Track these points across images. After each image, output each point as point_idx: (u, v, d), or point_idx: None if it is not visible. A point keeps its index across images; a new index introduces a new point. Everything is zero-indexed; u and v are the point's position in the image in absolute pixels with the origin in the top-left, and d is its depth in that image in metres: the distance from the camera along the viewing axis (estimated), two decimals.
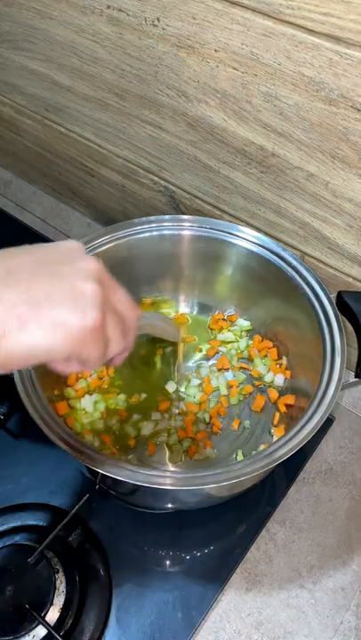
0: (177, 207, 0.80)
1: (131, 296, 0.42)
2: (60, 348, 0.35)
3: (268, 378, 0.71)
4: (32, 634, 0.53)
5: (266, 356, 0.72)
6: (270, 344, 0.73)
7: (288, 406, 0.68)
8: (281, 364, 0.71)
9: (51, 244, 0.39)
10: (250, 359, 0.73)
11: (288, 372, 0.70)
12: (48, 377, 0.61)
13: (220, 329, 0.76)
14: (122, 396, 0.70)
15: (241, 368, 0.73)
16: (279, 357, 0.72)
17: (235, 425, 0.69)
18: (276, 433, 0.67)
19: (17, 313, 0.33)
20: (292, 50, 0.53)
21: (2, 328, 0.33)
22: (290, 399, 0.68)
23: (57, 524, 0.58)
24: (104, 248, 0.67)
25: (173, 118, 0.68)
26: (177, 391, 0.71)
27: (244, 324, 0.75)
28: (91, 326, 0.35)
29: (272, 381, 0.70)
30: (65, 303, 0.35)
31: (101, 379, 0.71)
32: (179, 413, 0.69)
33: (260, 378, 0.71)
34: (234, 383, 0.71)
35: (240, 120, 0.62)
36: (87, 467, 0.50)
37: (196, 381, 0.72)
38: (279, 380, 0.70)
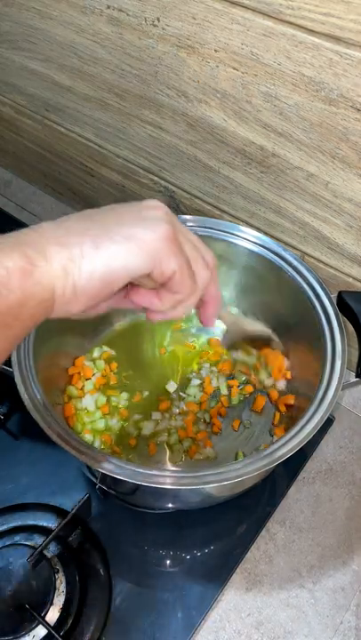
0: (177, 207, 0.80)
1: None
2: (138, 260, 0.35)
3: (268, 382, 0.71)
4: (32, 634, 0.53)
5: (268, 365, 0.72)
6: (280, 355, 0.71)
7: (288, 406, 0.68)
8: (284, 372, 0.71)
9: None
10: (254, 369, 0.73)
11: (288, 373, 0.70)
12: (48, 377, 0.61)
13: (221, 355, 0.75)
14: (124, 395, 0.70)
15: (241, 372, 0.73)
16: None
17: (235, 425, 0.69)
18: (277, 433, 0.67)
19: (90, 235, 0.35)
20: (293, 50, 0.53)
21: (79, 251, 0.34)
22: (290, 399, 0.68)
23: (57, 524, 0.58)
24: None
25: (173, 118, 0.68)
26: (177, 391, 0.71)
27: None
28: (163, 235, 0.36)
29: (273, 385, 0.70)
30: (135, 223, 0.36)
31: (105, 376, 0.71)
32: (179, 413, 0.69)
33: (261, 383, 0.71)
34: (234, 383, 0.71)
35: (240, 120, 0.62)
36: (87, 467, 0.50)
37: (196, 381, 0.72)
38: (281, 384, 0.70)
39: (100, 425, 0.67)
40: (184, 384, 0.72)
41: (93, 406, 0.68)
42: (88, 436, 0.65)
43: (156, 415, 0.69)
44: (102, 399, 0.69)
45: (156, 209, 0.38)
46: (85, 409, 0.68)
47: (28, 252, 0.33)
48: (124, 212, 0.38)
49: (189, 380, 0.72)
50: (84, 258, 0.34)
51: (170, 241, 0.36)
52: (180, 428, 0.68)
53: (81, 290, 0.34)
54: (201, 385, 0.71)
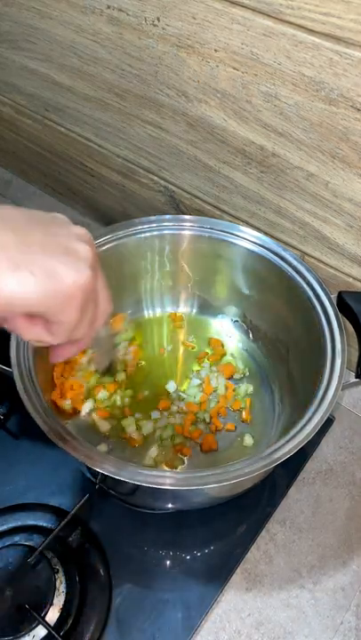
0: (177, 207, 0.80)
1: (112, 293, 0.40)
2: (44, 300, 0.33)
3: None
4: (32, 634, 0.53)
5: None
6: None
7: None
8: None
9: (37, 210, 0.38)
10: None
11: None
12: (48, 377, 0.61)
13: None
14: (129, 392, 0.70)
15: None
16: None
17: (232, 426, 0.69)
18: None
19: (10, 255, 0.32)
20: (293, 50, 0.53)
21: None
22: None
23: (57, 524, 0.58)
24: (104, 248, 0.67)
25: (173, 118, 0.68)
26: (177, 391, 0.71)
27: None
28: (82, 283, 0.34)
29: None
30: (60, 256, 0.33)
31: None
32: (178, 412, 0.69)
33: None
34: (231, 386, 0.72)
35: (240, 120, 0.62)
36: (87, 467, 0.50)
37: (196, 381, 0.72)
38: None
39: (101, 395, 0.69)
40: (184, 384, 0.72)
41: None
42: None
43: (155, 414, 0.69)
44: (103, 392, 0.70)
45: (85, 243, 0.36)
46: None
47: None
48: (55, 233, 0.35)
49: (189, 379, 0.72)
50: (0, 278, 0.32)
51: (83, 292, 0.34)
52: (177, 424, 0.68)
53: None
54: (201, 385, 0.71)
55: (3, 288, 0.32)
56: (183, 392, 0.71)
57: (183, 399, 0.70)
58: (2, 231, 0.32)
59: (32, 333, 0.36)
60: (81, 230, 0.38)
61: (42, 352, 0.59)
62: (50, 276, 0.33)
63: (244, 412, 0.70)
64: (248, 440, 0.67)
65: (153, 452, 0.66)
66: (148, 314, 0.78)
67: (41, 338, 0.37)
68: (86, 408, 0.68)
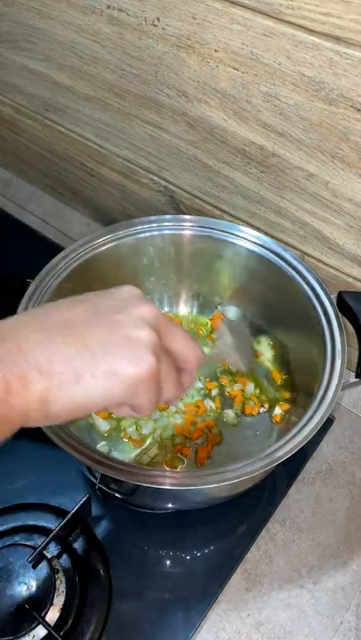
0: (177, 207, 0.80)
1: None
2: (113, 398, 0.35)
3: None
4: (32, 634, 0.53)
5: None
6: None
7: (288, 407, 0.68)
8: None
9: (108, 290, 0.39)
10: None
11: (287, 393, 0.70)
12: None
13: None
14: None
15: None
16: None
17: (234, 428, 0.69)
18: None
19: (73, 366, 0.33)
20: (293, 50, 0.53)
21: (57, 382, 0.33)
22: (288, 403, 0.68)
23: (57, 524, 0.58)
24: (105, 248, 0.67)
25: (173, 118, 0.68)
26: None
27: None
28: (145, 374, 0.35)
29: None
30: (119, 352, 0.35)
31: None
32: (177, 412, 0.69)
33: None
34: (237, 393, 0.71)
35: (240, 120, 0.62)
36: (87, 467, 0.50)
37: (197, 384, 0.71)
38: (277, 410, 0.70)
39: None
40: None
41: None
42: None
43: (155, 414, 0.68)
44: None
45: (146, 326, 0.36)
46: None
47: (7, 376, 0.32)
48: (115, 324, 0.36)
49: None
50: (62, 390, 0.33)
51: (149, 379, 0.35)
52: (177, 424, 0.68)
53: (54, 416, 0.34)
54: (202, 389, 0.71)
55: (71, 398, 0.34)
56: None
57: (182, 399, 0.70)
58: (65, 342, 0.34)
59: (121, 412, 0.39)
60: (143, 310, 0.38)
61: None
62: (110, 375, 0.34)
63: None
64: (231, 416, 0.68)
65: (153, 451, 0.66)
66: None
67: (130, 414, 0.39)
68: None
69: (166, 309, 0.79)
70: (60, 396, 0.33)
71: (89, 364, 0.34)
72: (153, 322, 0.37)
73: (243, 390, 0.71)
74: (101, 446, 0.66)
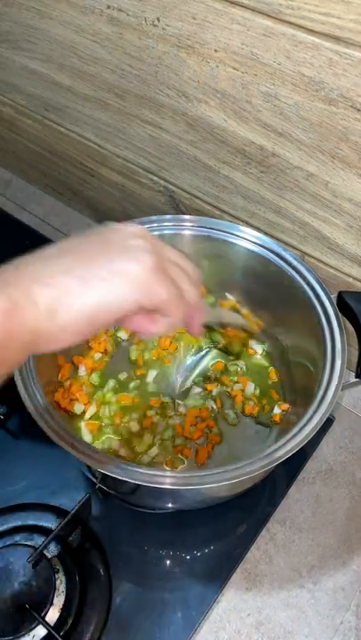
0: (177, 207, 0.80)
1: None
2: (126, 295, 0.35)
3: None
4: (32, 634, 0.53)
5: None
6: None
7: (287, 407, 0.68)
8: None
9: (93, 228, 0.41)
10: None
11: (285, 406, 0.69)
12: (48, 377, 0.61)
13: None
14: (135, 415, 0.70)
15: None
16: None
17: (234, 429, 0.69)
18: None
19: (77, 274, 0.34)
20: (292, 50, 0.53)
21: (65, 290, 0.33)
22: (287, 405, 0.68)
23: (57, 524, 0.58)
24: None
25: (173, 118, 0.68)
26: (180, 396, 0.71)
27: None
28: (150, 267, 0.36)
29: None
30: (119, 256, 0.36)
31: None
32: (177, 414, 0.69)
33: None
34: (237, 393, 0.71)
35: (240, 120, 0.62)
36: (87, 467, 0.50)
37: (197, 389, 0.71)
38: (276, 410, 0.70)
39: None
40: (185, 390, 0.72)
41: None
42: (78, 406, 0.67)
43: (150, 412, 0.68)
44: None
45: (139, 238, 0.38)
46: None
47: (12, 293, 0.32)
48: (109, 241, 0.37)
49: (189, 388, 0.72)
50: (72, 296, 0.34)
51: (156, 271, 0.36)
52: (177, 424, 0.68)
53: (69, 328, 0.34)
54: (201, 393, 0.71)
55: (82, 303, 0.34)
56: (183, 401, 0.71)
57: (182, 402, 0.70)
58: (64, 258, 0.35)
59: (160, 326, 0.40)
60: (134, 228, 0.40)
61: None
62: (118, 275, 0.35)
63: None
64: (231, 416, 0.69)
65: (153, 451, 0.66)
66: None
67: (170, 324, 0.40)
68: (88, 415, 0.68)
69: None
70: (70, 304, 0.33)
71: (92, 271, 0.34)
72: (143, 234, 0.39)
73: (243, 390, 0.71)
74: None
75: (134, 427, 0.67)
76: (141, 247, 0.37)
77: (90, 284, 0.34)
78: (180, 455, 0.65)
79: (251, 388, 0.71)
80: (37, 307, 0.33)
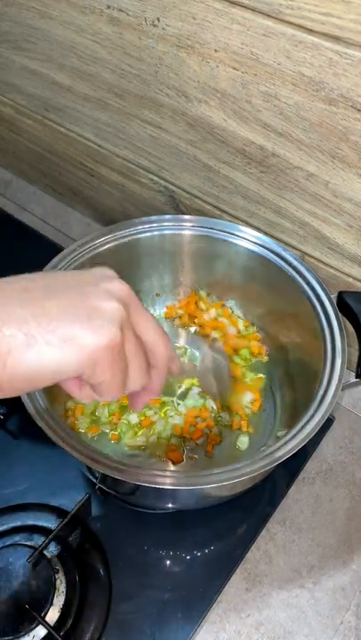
0: (177, 207, 0.80)
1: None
2: (69, 367, 0.32)
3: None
4: (32, 634, 0.53)
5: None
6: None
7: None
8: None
9: (81, 270, 0.38)
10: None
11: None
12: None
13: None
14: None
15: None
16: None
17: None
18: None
19: (25, 329, 0.31)
20: (292, 49, 0.53)
21: (7, 345, 0.30)
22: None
23: (57, 524, 0.58)
24: (105, 248, 0.67)
25: (173, 118, 0.68)
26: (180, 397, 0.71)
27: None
28: (105, 344, 0.32)
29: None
30: (79, 319, 0.32)
31: None
32: (177, 414, 0.69)
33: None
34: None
35: (240, 120, 0.62)
36: (87, 467, 0.50)
37: (196, 389, 0.71)
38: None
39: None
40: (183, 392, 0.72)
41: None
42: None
43: (149, 412, 0.68)
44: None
45: (115, 299, 0.34)
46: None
47: None
48: (80, 296, 0.34)
49: (189, 389, 0.72)
50: (12, 355, 0.30)
51: (111, 351, 0.33)
52: (176, 425, 0.68)
53: (4, 384, 0.31)
54: (201, 393, 0.71)
55: (24, 365, 0.31)
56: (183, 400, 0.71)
57: (182, 402, 0.70)
58: (21, 306, 0.32)
59: (83, 394, 0.37)
60: (115, 285, 0.36)
61: None
62: (67, 342, 0.32)
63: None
64: (243, 442, 0.67)
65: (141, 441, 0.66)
66: None
67: (93, 397, 0.37)
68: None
69: (166, 309, 0.78)
70: (11, 363, 0.30)
71: (44, 329, 0.31)
72: (122, 297, 0.35)
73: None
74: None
75: (133, 419, 0.67)
76: (109, 313, 0.33)
77: (34, 347, 0.31)
78: (169, 458, 0.65)
79: (248, 397, 0.71)
80: None
